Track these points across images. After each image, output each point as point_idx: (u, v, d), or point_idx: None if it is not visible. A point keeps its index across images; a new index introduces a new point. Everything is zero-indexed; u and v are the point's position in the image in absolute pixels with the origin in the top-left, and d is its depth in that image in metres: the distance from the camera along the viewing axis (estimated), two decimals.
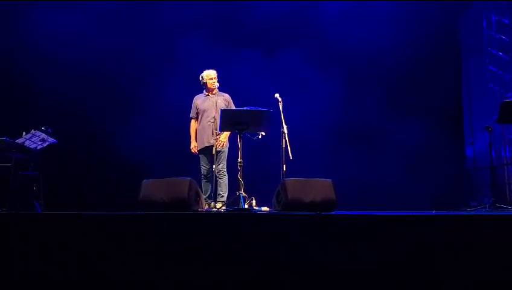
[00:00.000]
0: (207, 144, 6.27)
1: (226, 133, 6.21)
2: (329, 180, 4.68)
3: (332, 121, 8.04)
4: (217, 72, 6.37)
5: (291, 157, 5.60)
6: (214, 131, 6.08)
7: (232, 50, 8.03)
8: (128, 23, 8.17)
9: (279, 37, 8.31)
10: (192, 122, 6.47)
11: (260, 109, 5.54)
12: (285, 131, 5.69)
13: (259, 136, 5.82)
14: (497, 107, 6.18)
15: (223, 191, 6.25)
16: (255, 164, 6.58)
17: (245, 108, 5.62)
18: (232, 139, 6.27)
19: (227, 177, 6.29)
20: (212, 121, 6.16)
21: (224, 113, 5.62)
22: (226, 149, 6.33)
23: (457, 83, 8.50)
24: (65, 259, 3.40)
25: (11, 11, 7.92)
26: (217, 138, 6.10)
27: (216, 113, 6.09)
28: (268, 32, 8.25)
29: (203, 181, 6.34)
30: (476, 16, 8.49)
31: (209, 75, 6.31)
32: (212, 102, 6.24)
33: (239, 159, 5.55)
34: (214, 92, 6.31)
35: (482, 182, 7.56)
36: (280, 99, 5.91)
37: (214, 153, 6.07)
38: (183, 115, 6.73)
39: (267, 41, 8.28)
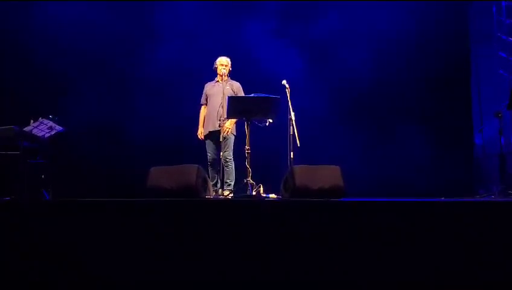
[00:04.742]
0: (211, 129, 6.28)
1: (232, 120, 6.19)
2: (337, 167, 4.67)
3: (340, 107, 8.01)
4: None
5: (298, 145, 5.59)
6: (220, 117, 6.09)
7: (242, 23, 8.05)
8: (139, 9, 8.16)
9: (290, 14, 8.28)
10: (202, 108, 6.51)
11: (268, 95, 5.51)
12: (293, 118, 5.67)
13: (267, 123, 5.81)
14: (507, 93, 6.15)
15: (230, 179, 6.23)
16: (263, 151, 6.56)
17: (252, 95, 5.60)
18: (239, 127, 6.25)
19: (233, 165, 6.26)
20: (218, 106, 6.16)
21: (231, 100, 5.60)
22: (231, 136, 6.30)
23: (466, 69, 8.42)
24: (73, 245, 3.42)
25: None
26: (222, 124, 6.10)
27: (222, 99, 6.10)
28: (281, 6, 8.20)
29: (210, 168, 6.34)
30: (486, 1, 8.38)
31: (221, 61, 6.34)
32: (220, 88, 6.26)
33: (246, 147, 5.55)
34: (223, 79, 6.31)
35: (491, 169, 7.50)
36: (287, 86, 5.88)
37: (221, 140, 6.10)
38: (192, 102, 6.74)
39: (280, 17, 8.21)
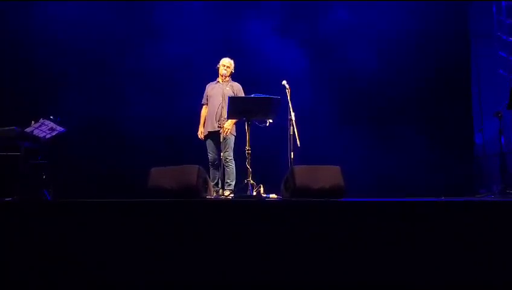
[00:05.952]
0: (211, 129, 6.29)
1: (231, 120, 6.20)
2: (337, 167, 4.67)
3: (341, 107, 8.00)
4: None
5: (299, 145, 5.59)
6: (219, 117, 6.10)
7: (243, 23, 8.05)
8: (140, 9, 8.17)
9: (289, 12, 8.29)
10: (203, 108, 6.53)
11: (268, 96, 5.52)
12: (293, 118, 5.68)
13: (267, 124, 5.81)
14: (507, 93, 6.15)
15: (230, 179, 6.24)
16: (263, 152, 6.57)
17: (252, 95, 5.61)
18: (240, 127, 6.25)
19: (234, 165, 6.27)
20: (218, 107, 6.17)
21: (232, 100, 5.61)
22: (231, 137, 6.31)
23: (466, 69, 8.41)
24: (73, 245, 3.42)
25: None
26: (222, 125, 6.11)
27: (222, 100, 6.13)
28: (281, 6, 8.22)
29: (211, 169, 6.36)
30: (486, 0, 8.39)
31: (223, 62, 6.38)
32: (220, 89, 6.29)
33: (247, 147, 5.56)
34: (225, 80, 6.32)
35: (492, 169, 7.50)
36: (288, 86, 5.88)
37: (221, 140, 6.12)
38: (192, 102, 6.74)
39: (280, 17, 8.21)
